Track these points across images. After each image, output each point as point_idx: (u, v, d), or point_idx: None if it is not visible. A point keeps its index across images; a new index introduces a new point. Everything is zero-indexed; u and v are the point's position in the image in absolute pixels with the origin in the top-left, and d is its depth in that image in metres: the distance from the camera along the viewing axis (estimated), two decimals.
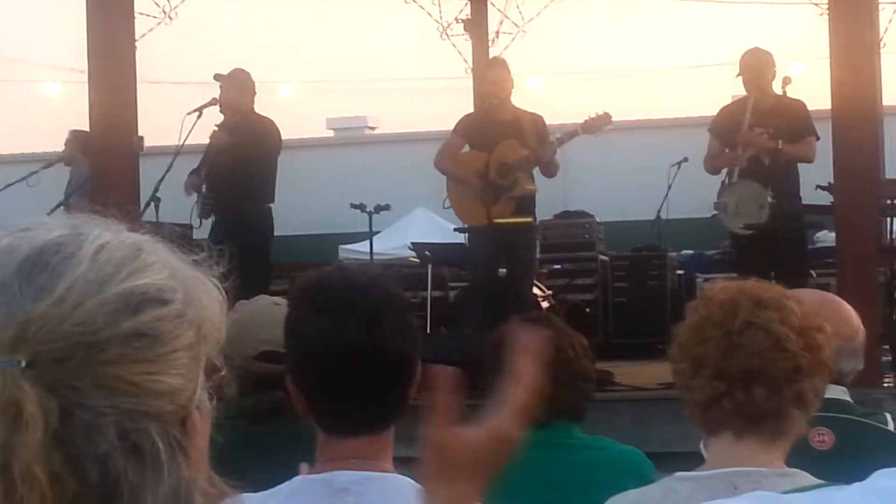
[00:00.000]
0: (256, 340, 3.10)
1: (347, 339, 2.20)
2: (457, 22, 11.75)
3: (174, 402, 1.07)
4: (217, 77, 9.01)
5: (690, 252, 13.61)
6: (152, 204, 8.63)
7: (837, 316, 3.12)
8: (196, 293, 1.12)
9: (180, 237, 1.19)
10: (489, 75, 9.02)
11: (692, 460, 2.43)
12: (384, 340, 2.22)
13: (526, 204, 8.69)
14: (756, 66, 8.58)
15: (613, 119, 8.78)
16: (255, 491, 2.12)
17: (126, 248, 1.10)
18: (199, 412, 1.11)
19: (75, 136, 9.87)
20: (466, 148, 8.86)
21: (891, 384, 8.02)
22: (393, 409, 2.28)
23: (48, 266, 1.05)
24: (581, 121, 8.73)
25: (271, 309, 3.06)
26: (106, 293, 1.05)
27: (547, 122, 8.84)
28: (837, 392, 3.09)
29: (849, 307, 3.25)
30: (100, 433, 1.02)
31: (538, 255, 10.96)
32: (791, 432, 2.32)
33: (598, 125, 8.61)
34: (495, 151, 8.56)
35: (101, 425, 1.03)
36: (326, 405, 2.25)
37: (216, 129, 8.89)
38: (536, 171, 8.73)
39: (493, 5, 11.78)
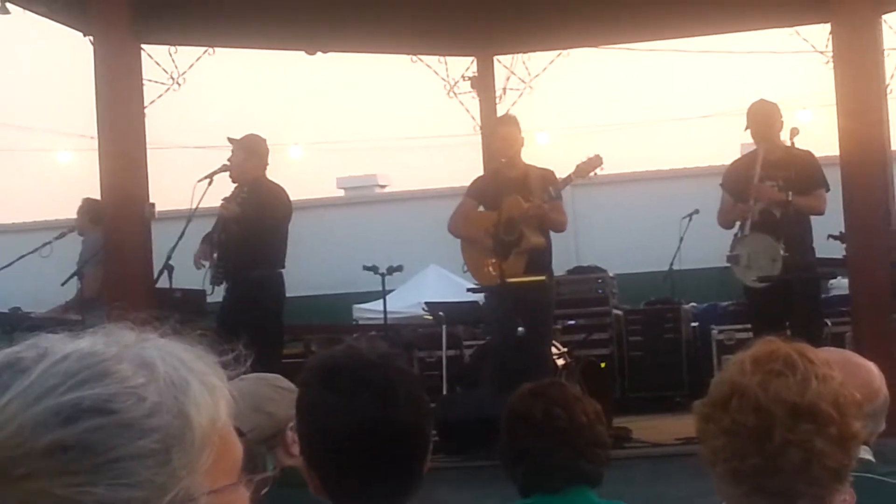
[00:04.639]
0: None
1: (363, 415, 2.22)
2: (463, 80, 11.78)
3: None
4: (230, 140, 9.00)
5: (705, 304, 13.59)
6: (165, 272, 8.63)
7: (855, 377, 3.09)
8: (183, 399, 1.11)
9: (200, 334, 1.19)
10: (499, 132, 9.04)
11: None
12: (399, 415, 2.24)
13: (539, 259, 8.66)
14: (763, 118, 8.61)
15: (625, 171, 8.80)
16: None
17: (85, 358, 1.10)
18: None
19: (86, 206, 9.87)
20: (481, 209, 8.87)
21: None
22: (410, 482, 2.29)
23: None
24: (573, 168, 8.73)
25: (236, 385, 3.06)
26: (39, 406, 1.06)
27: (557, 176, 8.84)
28: (860, 451, 3.06)
29: (869, 367, 3.21)
30: None
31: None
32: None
33: (589, 168, 8.60)
34: (502, 208, 8.58)
35: None
36: (343, 483, 2.26)
37: (224, 201, 8.86)
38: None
39: (500, 62, 11.82)
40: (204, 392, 1.14)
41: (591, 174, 8.65)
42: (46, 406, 1.06)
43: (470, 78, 11.80)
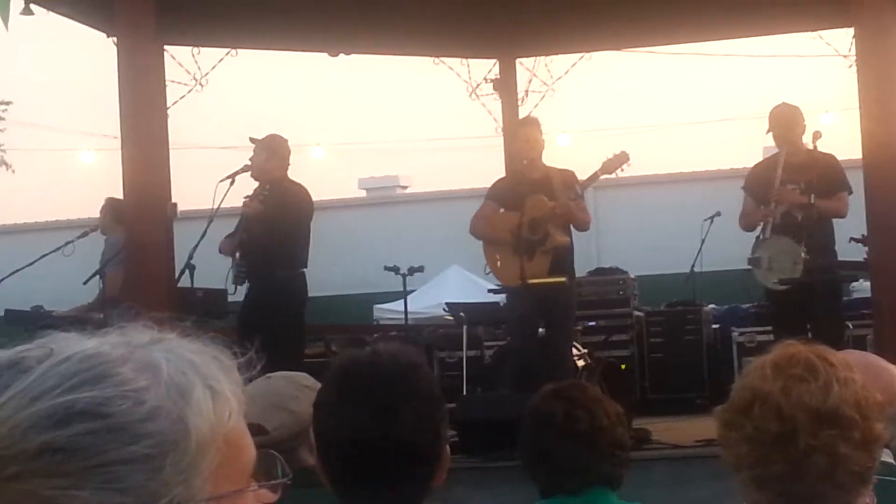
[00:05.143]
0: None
1: (363, 430, 2.24)
2: (486, 82, 11.80)
3: None
4: (252, 140, 9.00)
5: (726, 307, 13.57)
6: (187, 271, 8.66)
7: (878, 380, 3.07)
8: (184, 404, 1.09)
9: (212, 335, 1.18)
10: (521, 134, 9.04)
11: None
12: (399, 434, 2.25)
13: (563, 259, 8.66)
14: (785, 121, 8.59)
15: (647, 173, 8.82)
16: None
17: (87, 360, 1.08)
18: None
19: (109, 205, 9.89)
20: (502, 211, 8.88)
21: None
22: (412, 496, 2.30)
23: None
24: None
25: (262, 383, 3.10)
26: (34, 408, 1.05)
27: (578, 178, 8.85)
28: (881, 453, 3.06)
29: (891, 370, 3.19)
30: None
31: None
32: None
33: (616, 165, 8.63)
34: (525, 208, 8.58)
35: None
36: (347, 488, 2.30)
37: (246, 199, 8.86)
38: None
39: (522, 64, 11.83)
40: (207, 397, 1.11)
41: (618, 171, 8.67)
42: (41, 408, 1.05)
43: (492, 80, 11.81)
